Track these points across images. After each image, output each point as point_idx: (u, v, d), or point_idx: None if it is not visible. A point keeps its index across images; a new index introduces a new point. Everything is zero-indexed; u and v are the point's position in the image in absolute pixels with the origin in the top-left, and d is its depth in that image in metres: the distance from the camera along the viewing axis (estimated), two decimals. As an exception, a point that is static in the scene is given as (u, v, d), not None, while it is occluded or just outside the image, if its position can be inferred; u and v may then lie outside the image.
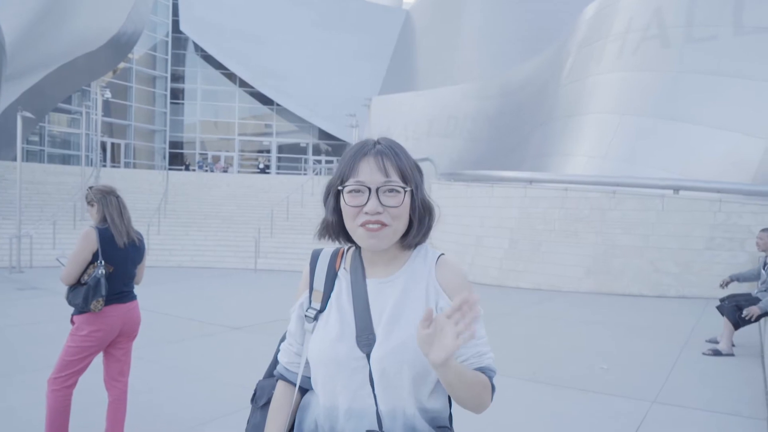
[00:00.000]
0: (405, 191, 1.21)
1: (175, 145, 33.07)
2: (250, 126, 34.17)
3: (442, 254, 1.29)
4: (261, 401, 1.41)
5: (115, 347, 3.30)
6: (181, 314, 7.50)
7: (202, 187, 18.41)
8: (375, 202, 1.19)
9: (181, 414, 3.87)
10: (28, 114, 13.65)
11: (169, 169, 22.58)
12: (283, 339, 1.44)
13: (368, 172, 1.20)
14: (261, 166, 29.47)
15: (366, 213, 1.19)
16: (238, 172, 29.57)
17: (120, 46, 24.55)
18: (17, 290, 9.42)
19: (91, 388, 3.48)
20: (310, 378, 1.32)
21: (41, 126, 25.68)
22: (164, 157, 31.70)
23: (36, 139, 26.32)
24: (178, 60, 33.35)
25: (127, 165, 29.87)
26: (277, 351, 1.45)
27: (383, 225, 1.19)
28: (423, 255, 1.28)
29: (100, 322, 3.12)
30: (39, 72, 20.67)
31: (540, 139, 16.30)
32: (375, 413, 1.19)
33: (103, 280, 3.07)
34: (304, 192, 17.08)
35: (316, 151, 34.22)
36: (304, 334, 1.32)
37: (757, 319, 5.30)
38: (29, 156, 24.21)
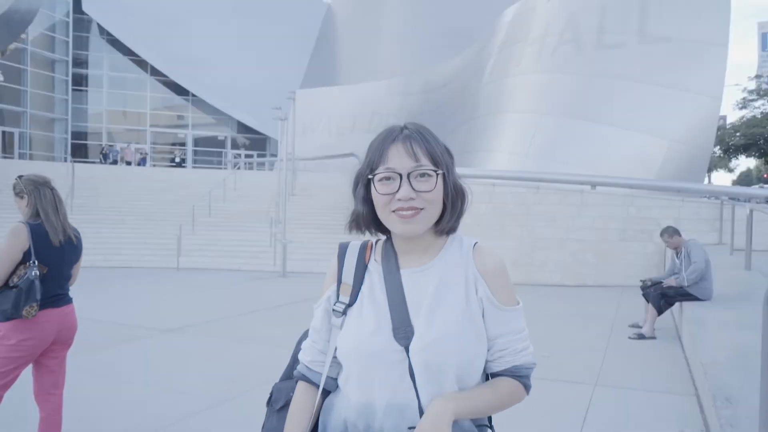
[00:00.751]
0: (437, 175, 1.18)
1: (79, 135, 30.61)
2: (164, 117, 32.38)
3: (477, 242, 1.26)
4: (278, 404, 1.33)
5: (48, 356, 2.95)
6: (106, 318, 6.93)
7: (113, 181, 17.18)
8: (407, 188, 1.15)
9: (117, 427, 3.56)
10: None
11: (74, 161, 20.85)
12: (303, 338, 1.36)
13: (398, 158, 1.17)
14: (177, 159, 27.92)
15: (399, 200, 1.15)
16: (153, 165, 27.83)
17: (12, 24, 22.28)
18: None
19: (19, 402, 3.11)
20: (334, 379, 1.25)
21: None
22: (66, 149, 29.23)
23: None
24: (81, 43, 30.85)
25: (22, 156, 27.23)
26: (296, 351, 1.37)
27: (417, 210, 1.16)
28: (458, 242, 1.26)
29: (32, 330, 2.78)
30: None
31: (464, 135, 16.79)
32: (417, 408, 1.14)
33: (37, 283, 2.73)
34: (227, 187, 16.41)
35: (235, 145, 33.09)
36: (331, 330, 1.25)
37: (674, 300, 5.78)
38: None
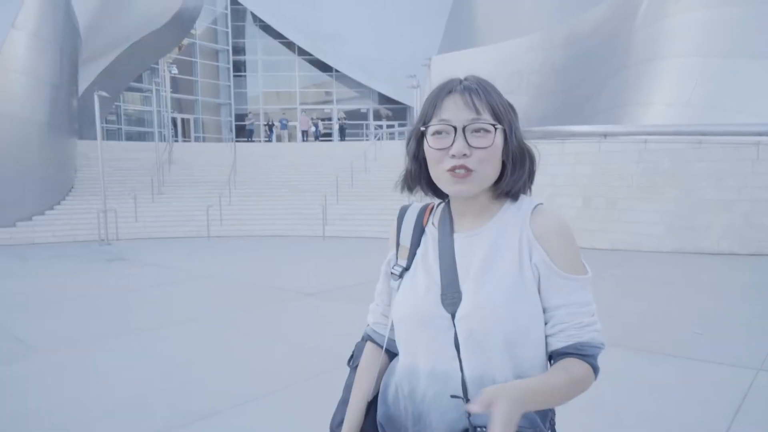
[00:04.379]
0: (496, 130, 1.08)
1: (240, 117, 33.84)
2: (311, 94, 34.37)
3: (540, 204, 1.14)
4: (356, 362, 1.35)
5: None
6: (256, 282, 7.74)
7: (268, 158, 18.80)
8: (462, 143, 1.06)
9: (259, 378, 3.97)
10: (104, 94, 14.32)
11: (236, 141, 23.21)
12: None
13: (454, 110, 1.08)
14: (316, 130, 28.77)
15: (452, 156, 1.07)
16: (305, 140, 29.65)
17: (183, 21, 25.08)
18: (107, 261, 10.06)
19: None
20: (396, 340, 1.24)
21: (117, 105, 27.02)
22: (231, 130, 32.62)
23: (113, 118, 27.76)
24: (239, 32, 33.81)
25: (197, 139, 31.00)
26: None
27: (469, 171, 1.07)
28: (517, 205, 1.14)
29: None
30: (111, 53, 21.60)
31: (613, 89, 15.28)
32: (459, 379, 1.08)
33: None
34: (367, 158, 17.05)
35: (377, 116, 34.01)
36: (391, 292, 1.24)
37: None
38: (108, 135, 25.61)
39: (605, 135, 10.59)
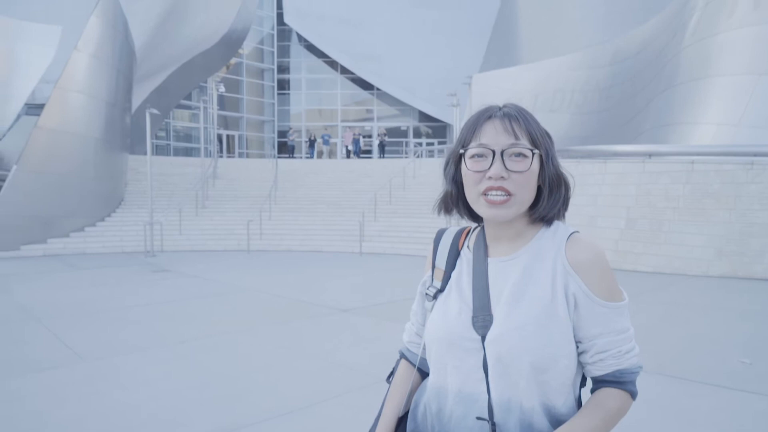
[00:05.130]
0: (533, 155, 1.10)
1: (283, 134, 34.69)
2: (353, 112, 34.90)
3: (576, 231, 1.16)
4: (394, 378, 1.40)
5: None
6: (293, 296, 7.85)
7: (309, 174, 19.14)
8: (499, 166, 1.09)
9: (293, 392, 4.02)
10: (155, 111, 14.97)
11: (278, 157, 23.75)
12: None
13: (493, 134, 1.11)
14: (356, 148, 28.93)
15: (489, 178, 1.09)
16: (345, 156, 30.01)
17: (231, 42, 26.08)
18: (152, 272, 10.42)
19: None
20: (427, 360, 1.28)
21: (167, 122, 28.16)
22: (273, 146, 33.41)
23: (163, 134, 28.93)
24: (284, 51, 34.82)
25: (241, 155, 31.89)
26: None
27: (508, 194, 1.09)
28: (552, 232, 1.16)
29: None
30: (163, 73, 22.61)
31: (659, 108, 14.90)
32: (486, 401, 1.10)
33: None
34: (406, 175, 17.13)
35: (417, 133, 34.17)
36: (425, 313, 1.29)
37: None
38: (158, 150, 26.69)
39: (650, 155, 10.31)
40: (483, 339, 1.10)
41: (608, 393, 1.10)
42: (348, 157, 26.61)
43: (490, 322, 1.10)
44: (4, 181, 13.33)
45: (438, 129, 33.18)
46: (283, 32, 34.29)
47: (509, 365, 1.08)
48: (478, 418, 1.09)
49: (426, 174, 17.38)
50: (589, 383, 1.17)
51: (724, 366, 4.47)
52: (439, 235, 1.31)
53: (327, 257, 12.66)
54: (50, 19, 21.65)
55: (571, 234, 1.14)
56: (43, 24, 20.87)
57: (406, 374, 1.32)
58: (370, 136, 33.76)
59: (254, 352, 5.13)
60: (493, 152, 1.10)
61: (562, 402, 1.11)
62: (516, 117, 1.13)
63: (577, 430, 1.05)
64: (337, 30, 32.42)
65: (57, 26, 21.13)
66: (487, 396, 1.10)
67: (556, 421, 1.10)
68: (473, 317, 1.13)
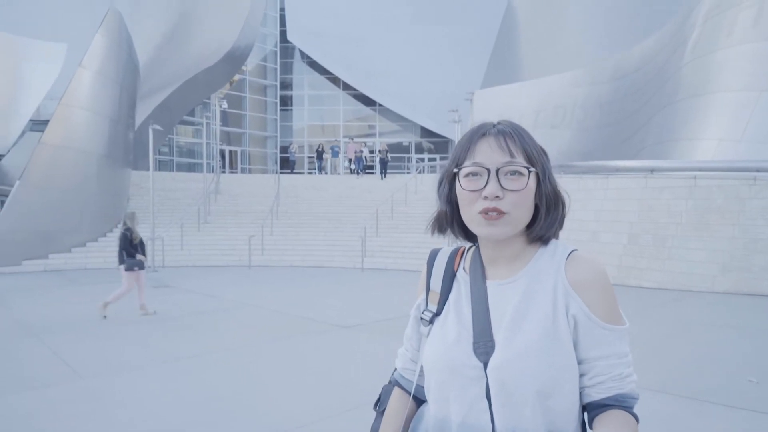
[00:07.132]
0: (530, 173, 1.07)
1: (285, 150, 34.82)
2: (354, 128, 35.06)
3: (575, 250, 1.11)
4: (382, 407, 1.33)
5: None
6: (294, 312, 7.80)
7: (311, 189, 19.16)
8: (495, 185, 1.05)
9: (293, 410, 3.96)
10: (158, 127, 15.05)
11: (280, 172, 23.81)
12: None
13: (488, 153, 1.07)
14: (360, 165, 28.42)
15: (485, 197, 1.05)
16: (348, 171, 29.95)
17: (235, 59, 26.34)
18: (153, 288, 10.37)
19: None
20: (423, 387, 1.21)
21: (170, 138, 28.30)
22: (276, 162, 33.53)
23: (166, 149, 29.06)
24: (286, 68, 35.09)
25: (243, 170, 31.99)
26: None
27: (501, 213, 1.05)
28: (551, 251, 1.11)
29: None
30: (166, 89, 22.79)
31: (660, 124, 14.92)
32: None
33: None
34: (408, 191, 17.13)
35: (419, 149, 34.28)
36: (420, 338, 1.22)
37: None
38: (161, 165, 26.77)
39: (652, 170, 10.30)
40: (485, 366, 1.06)
41: (616, 415, 1.05)
42: (351, 172, 26.58)
43: (492, 348, 1.06)
44: (6, 196, 13.37)
45: (440, 144, 33.29)
46: (286, 49, 34.60)
47: (513, 393, 1.04)
48: None
49: (428, 189, 17.35)
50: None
51: (732, 385, 4.40)
52: (433, 256, 1.25)
53: (328, 273, 12.61)
54: (56, 37, 21.91)
55: (570, 252, 1.11)
56: (48, 41, 21.12)
57: (400, 403, 1.26)
58: (372, 152, 33.90)
59: (254, 368, 5.07)
60: (488, 171, 1.06)
61: (568, 428, 1.07)
62: (511, 134, 1.09)
63: None
64: (340, 47, 32.71)
65: (62, 43, 21.38)
66: (491, 427, 1.05)
67: None
68: (474, 343, 1.08)
